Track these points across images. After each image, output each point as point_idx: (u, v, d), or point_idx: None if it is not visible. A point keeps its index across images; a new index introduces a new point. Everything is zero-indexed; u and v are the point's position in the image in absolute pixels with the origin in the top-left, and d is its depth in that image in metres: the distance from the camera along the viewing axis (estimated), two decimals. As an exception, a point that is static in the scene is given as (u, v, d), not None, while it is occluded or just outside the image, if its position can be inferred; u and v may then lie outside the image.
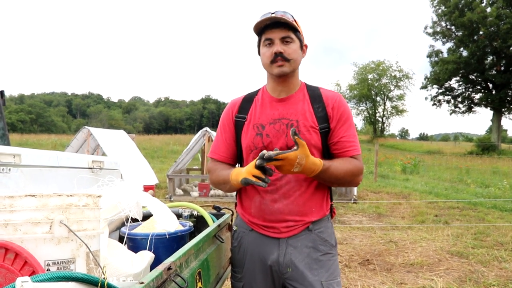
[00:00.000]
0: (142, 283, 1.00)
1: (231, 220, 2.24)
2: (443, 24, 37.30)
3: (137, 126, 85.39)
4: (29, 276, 0.91)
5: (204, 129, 11.17)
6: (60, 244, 1.12)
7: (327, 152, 1.80)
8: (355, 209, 8.90)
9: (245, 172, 1.60)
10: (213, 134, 10.98)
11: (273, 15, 1.70)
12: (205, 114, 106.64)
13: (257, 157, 1.54)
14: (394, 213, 8.44)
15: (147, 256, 1.59)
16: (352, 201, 9.70)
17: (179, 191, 10.57)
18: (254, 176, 1.56)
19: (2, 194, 1.11)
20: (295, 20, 1.75)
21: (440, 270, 4.72)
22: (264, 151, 1.52)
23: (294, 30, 1.73)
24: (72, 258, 1.14)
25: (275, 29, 1.71)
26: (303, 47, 1.81)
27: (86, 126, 11.85)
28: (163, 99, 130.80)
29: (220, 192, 10.41)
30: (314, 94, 1.82)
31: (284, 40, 1.71)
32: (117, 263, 1.43)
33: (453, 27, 36.30)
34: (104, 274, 1.00)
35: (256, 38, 1.83)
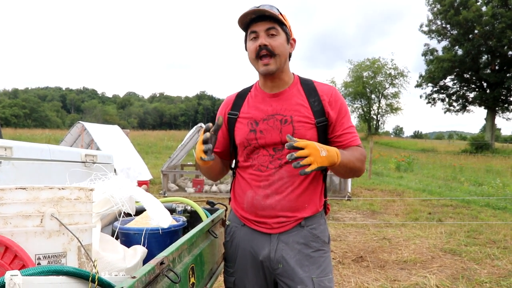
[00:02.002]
0: (134, 277, 0.99)
1: (225, 216, 2.23)
2: (439, 22, 37.39)
3: (132, 121, 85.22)
4: (19, 270, 0.90)
5: (199, 125, 11.14)
6: (51, 238, 1.11)
7: None
8: (349, 206, 8.92)
9: (197, 151, 1.63)
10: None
11: (258, 8, 1.68)
12: (200, 110, 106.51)
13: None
14: (388, 211, 8.47)
15: (140, 250, 1.57)
16: (346, 198, 9.71)
17: (172, 186, 10.54)
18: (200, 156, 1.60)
19: (-8, 186, 1.09)
20: (281, 14, 1.73)
21: (433, 267, 4.74)
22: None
23: (280, 23, 1.71)
24: (63, 252, 1.13)
25: (260, 22, 1.69)
26: (290, 40, 1.79)
27: (80, 121, 11.77)
28: (158, 95, 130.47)
29: (214, 187, 10.39)
30: (309, 88, 1.80)
31: (270, 33, 1.69)
32: (109, 258, 1.42)
33: (448, 26, 36.39)
34: (95, 268, 0.99)
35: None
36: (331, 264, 1.82)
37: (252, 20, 1.71)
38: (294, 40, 1.82)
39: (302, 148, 1.45)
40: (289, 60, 1.84)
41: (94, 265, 1.02)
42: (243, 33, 1.81)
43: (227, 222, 1.93)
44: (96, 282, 0.93)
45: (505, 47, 32.08)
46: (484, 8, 32.68)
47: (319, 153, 1.46)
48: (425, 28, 38.52)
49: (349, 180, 9.83)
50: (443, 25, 36.99)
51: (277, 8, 1.72)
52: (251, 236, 1.80)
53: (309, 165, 1.45)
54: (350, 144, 1.76)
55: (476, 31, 33.38)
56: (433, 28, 37.82)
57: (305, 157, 1.44)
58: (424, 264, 4.84)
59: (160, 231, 1.70)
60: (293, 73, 1.86)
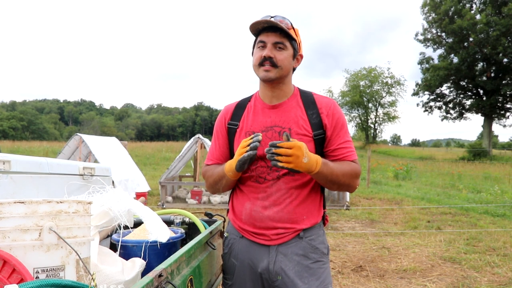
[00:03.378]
0: (132, 290, 0.99)
1: (223, 227, 2.23)
2: (434, 31, 37.65)
3: (130, 133, 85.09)
4: (17, 284, 0.90)
5: (197, 136, 11.15)
6: (50, 251, 1.11)
7: None
8: (348, 215, 8.91)
9: (236, 155, 1.69)
10: (206, 141, 10.96)
11: (271, 19, 1.70)
12: (197, 121, 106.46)
13: (251, 143, 1.65)
14: (387, 219, 8.46)
15: (138, 263, 1.57)
16: (344, 208, 9.70)
17: (168, 199, 10.49)
18: (240, 154, 1.67)
19: (-9, 201, 1.10)
20: (293, 28, 1.74)
21: (433, 275, 4.73)
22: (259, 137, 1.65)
23: (290, 37, 1.73)
24: (62, 265, 1.13)
25: (270, 32, 1.71)
26: (297, 56, 1.80)
27: (78, 133, 11.77)
28: (155, 106, 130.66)
29: (213, 199, 10.37)
30: (308, 101, 1.81)
31: (277, 46, 1.71)
32: (107, 271, 1.42)
33: (443, 34, 36.64)
34: (93, 281, 0.99)
35: (251, 39, 1.83)
36: (330, 275, 1.81)
37: (264, 28, 1.73)
38: (301, 56, 1.84)
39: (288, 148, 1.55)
40: (292, 73, 1.85)
41: (92, 278, 1.03)
42: (244, 44, 1.84)
43: (225, 234, 1.92)
44: (95, 295, 0.94)
45: (500, 55, 32.27)
46: (478, 16, 32.95)
47: (302, 159, 1.55)
48: (421, 37, 38.79)
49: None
50: (438, 34, 37.25)
51: (290, 22, 1.74)
52: (250, 248, 1.79)
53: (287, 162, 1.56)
54: (345, 159, 1.76)
55: (471, 39, 33.62)
56: (429, 36, 38.08)
57: (287, 155, 1.55)
58: (424, 273, 4.83)
59: (158, 244, 1.70)
60: (293, 85, 1.87)
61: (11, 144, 31.16)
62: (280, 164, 1.55)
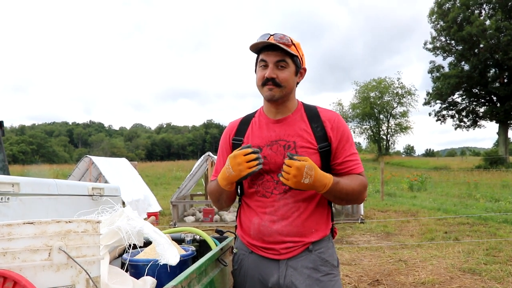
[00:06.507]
0: (141, 308, 0.99)
1: (234, 243, 2.22)
2: (443, 39, 37.50)
3: (140, 153, 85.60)
4: (26, 305, 0.90)
5: (207, 153, 11.14)
6: (59, 271, 1.12)
7: (327, 172, 1.78)
8: (363, 229, 8.80)
9: (239, 169, 1.65)
10: (216, 158, 10.91)
11: (271, 36, 1.71)
12: (207, 139, 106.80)
13: (257, 158, 1.67)
14: (403, 232, 8.32)
15: (149, 281, 1.57)
16: (359, 221, 9.59)
17: (191, 218, 10.44)
18: (249, 167, 1.65)
19: (1, 222, 1.11)
20: (294, 44, 1.75)
21: None
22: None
23: (291, 54, 1.73)
24: (72, 285, 1.14)
25: (271, 51, 1.72)
26: (299, 71, 1.81)
27: (88, 155, 11.86)
28: (164, 126, 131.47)
29: (226, 216, 10.30)
30: (312, 114, 1.82)
31: (279, 65, 1.71)
32: (118, 290, 1.41)
33: (453, 42, 36.45)
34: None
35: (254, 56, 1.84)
36: (341, 287, 1.80)
37: (264, 47, 1.74)
38: (304, 69, 1.84)
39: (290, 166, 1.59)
40: (296, 86, 1.85)
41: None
42: (251, 61, 1.85)
43: (234, 250, 1.92)
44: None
45: (512, 60, 31.91)
46: (487, 22, 32.72)
47: (300, 179, 1.58)
48: (430, 46, 38.60)
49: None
50: (448, 41, 37.07)
51: (290, 38, 1.74)
52: (259, 263, 1.79)
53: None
54: (351, 172, 1.77)
55: (481, 46, 33.35)
56: (438, 45, 37.90)
57: (287, 173, 1.60)
58: (443, 285, 4.72)
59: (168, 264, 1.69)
60: (297, 100, 1.88)
61: (21, 168, 31.46)
62: (281, 178, 1.62)
